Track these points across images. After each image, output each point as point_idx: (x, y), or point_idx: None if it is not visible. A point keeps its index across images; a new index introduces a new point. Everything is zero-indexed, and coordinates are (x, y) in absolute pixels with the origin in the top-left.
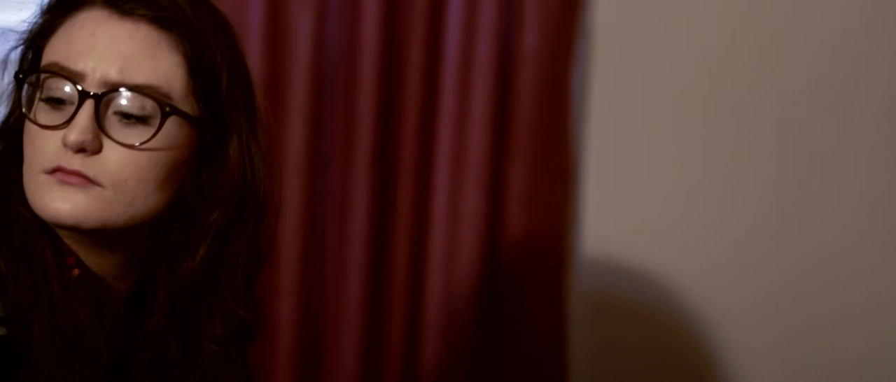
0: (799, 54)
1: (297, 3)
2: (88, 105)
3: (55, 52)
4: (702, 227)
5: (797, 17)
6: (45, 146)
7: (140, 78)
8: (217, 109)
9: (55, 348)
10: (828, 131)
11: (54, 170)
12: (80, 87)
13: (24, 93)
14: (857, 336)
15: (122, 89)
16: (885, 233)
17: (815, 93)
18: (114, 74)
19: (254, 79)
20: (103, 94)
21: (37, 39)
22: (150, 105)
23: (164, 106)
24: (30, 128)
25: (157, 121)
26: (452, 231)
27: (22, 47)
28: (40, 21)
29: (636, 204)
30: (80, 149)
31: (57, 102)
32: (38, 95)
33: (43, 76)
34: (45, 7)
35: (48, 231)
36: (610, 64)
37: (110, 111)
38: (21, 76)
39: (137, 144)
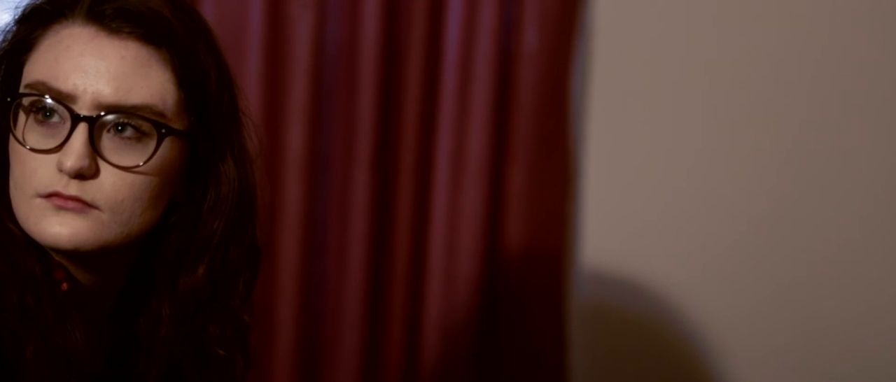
0: (799, 56)
1: (297, 3)
2: (82, 128)
3: (40, 70)
4: (702, 229)
5: (797, 18)
6: (37, 169)
7: (135, 98)
8: (208, 120)
9: (48, 369)
10: (829, 134)
11: (50, 195)
12: (72, 110)
13: (10, 113)
14: (857, 342)
15: (117, 112)
16: (887, 238)
17: (816, 95)
18: (107, 96)
19: (238, 82)
20: (97, 117)
21: (13, 54)
22: (146, 126)
23: (161, 127)
24: (18, 149)
25: (152, 142)
26: (452, 231)
27: None
28: (15, 33)
29: (635, 205)
30: (78, 175)
31: (47, 125)
32: (24, 116)
33: (31, 98)
34: (18, 17)
35: (37, 247)
36: (610, 64)
37: (104, 133)
38: (9, 99)
39: (136, 166)
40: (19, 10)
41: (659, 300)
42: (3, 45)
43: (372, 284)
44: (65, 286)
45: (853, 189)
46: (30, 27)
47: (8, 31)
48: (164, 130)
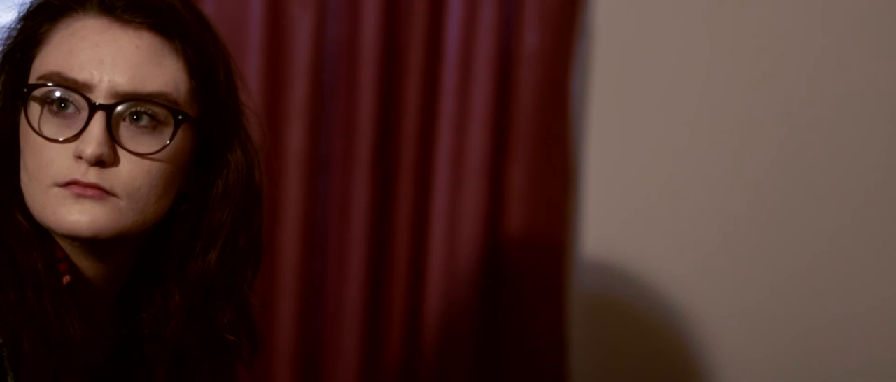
0: (797, 56)
1: (297, 3)
2: (100, 117)
3: (54, 62)
4: (701, 228)
5: (795, 19)
6: (54, 159)
7: (150, 87)
8: (218, 110)
9: (46, 363)
10: (829, 132)
11: (69, 184)
12: (89, 99)
13: (24, 105)
14: (856, 339)
15: (133, 100)
16: (888, 232)
17: (814, 94)
18: (123, 85)
19: (242, 75)
20: (114, 105)
21: (21, 50)
22: (162, 114)
23: (177, 114)
24: (34, 140)
25: (168, 129)
26: (452, 231)
27: (2, 55)
28: (21, 30)
29: (636, 205)
30: (97, 162)
31: (62, 115)
32: (38, 107)
33: (46, 88)
34: (25, 14)
35: (42, 239)
36: (610, 64)
37: (121, 122)
38: (25, 90)
39: (153, 153)
40: (25, 7)
41: (659, 297)
42: (9, 42)
43: (372, 284)
44: (67, 278)
45: (852, 185)
46: (37, 23)
47: (13, 29)
48: (180, 117)
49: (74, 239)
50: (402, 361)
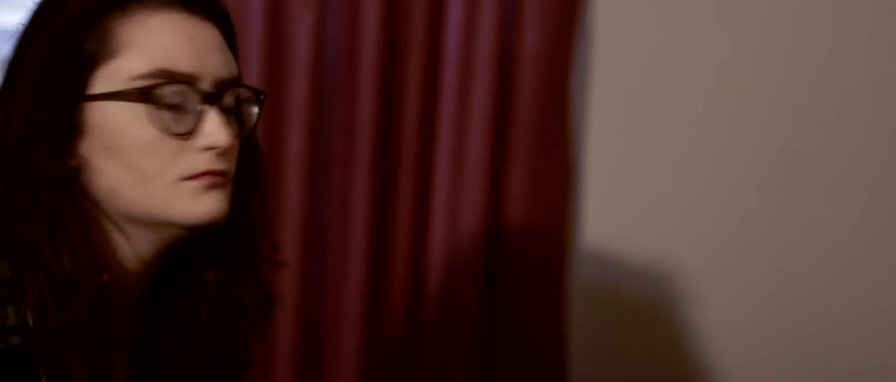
0: (797, 54)
1: (297, 3)
2: (216, 106)
3: (151, 58)
4: (700, 224)
5: (796, 16)
6: (178, 153)
7: (234, 72)
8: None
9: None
10: (827, 131)
11: (201, 175)
12: (201, 89)
13: (148, 103)
14: (860, 340)
15: (232, 86)
16: (891, 237)
17: (814, 92)
18: (222, 72)
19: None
20: (221, 93)
21: (76, 42)
22: (252, 96)
23: (259, 94)
24: (143, 139)
25: (252, 110)
26: (452, 231)
27: (61, 44)
28: (77, 22)
29: (635, 204)
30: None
31: (174, 109)
32: (137, 106)
33: (172, 87)
34: (81, 7)
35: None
36: (610, 64)
37: (224, 108)
38: (147, 91)
39: (244, 135)
40: (76, 13)
41: (660, 296)
42: (62, 34)
43: (372, 284)
44: (105, 277)
45: (855, 185)
46: (101, 13)
47: (74, 22)
48: (262, 96)
49: (193, 227)
50: (402, 361)
